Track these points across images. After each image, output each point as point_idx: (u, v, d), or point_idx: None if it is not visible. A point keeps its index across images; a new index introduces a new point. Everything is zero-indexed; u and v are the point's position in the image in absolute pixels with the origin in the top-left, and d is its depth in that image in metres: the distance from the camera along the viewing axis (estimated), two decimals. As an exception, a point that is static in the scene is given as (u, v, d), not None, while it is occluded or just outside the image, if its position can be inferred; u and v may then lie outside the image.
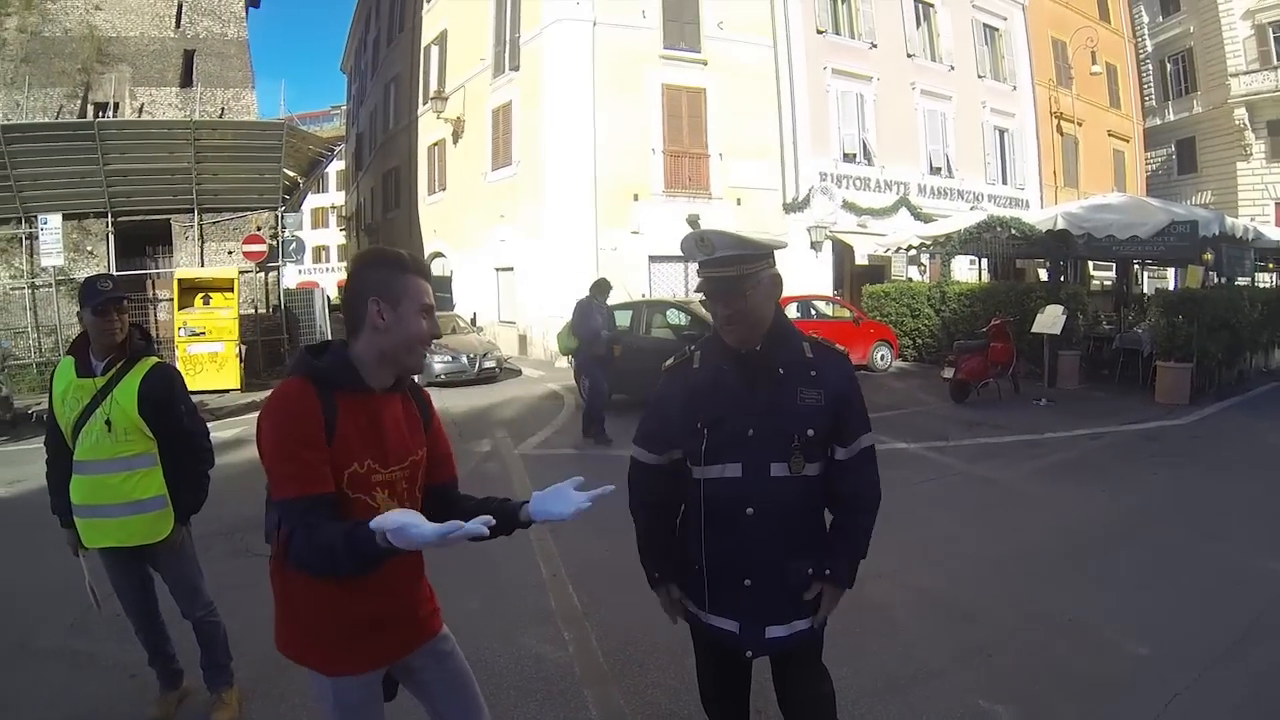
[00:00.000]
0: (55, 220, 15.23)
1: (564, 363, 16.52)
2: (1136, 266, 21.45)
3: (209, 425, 3.63)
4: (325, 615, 1.98)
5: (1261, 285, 17.57)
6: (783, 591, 2.22)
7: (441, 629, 2.23)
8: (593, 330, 9.66)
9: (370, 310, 1.96)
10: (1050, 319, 12.12)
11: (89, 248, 16.20)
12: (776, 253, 2.24)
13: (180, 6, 18.62)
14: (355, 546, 1.65)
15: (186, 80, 18.36)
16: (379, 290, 1.98)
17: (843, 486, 2.29)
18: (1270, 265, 18.99)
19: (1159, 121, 34.12)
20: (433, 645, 2.19)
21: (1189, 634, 4.14)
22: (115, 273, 15.74)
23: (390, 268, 2.03)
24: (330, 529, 1.73)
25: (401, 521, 1.57)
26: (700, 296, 2.33)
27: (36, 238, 15.44)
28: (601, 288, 10.05)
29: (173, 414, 3.27)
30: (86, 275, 14.74)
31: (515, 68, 20.96)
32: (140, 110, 17.53)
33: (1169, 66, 34.03)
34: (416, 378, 2.16)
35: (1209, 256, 13.62)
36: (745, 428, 2.16)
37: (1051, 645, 4.04)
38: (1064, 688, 3.62)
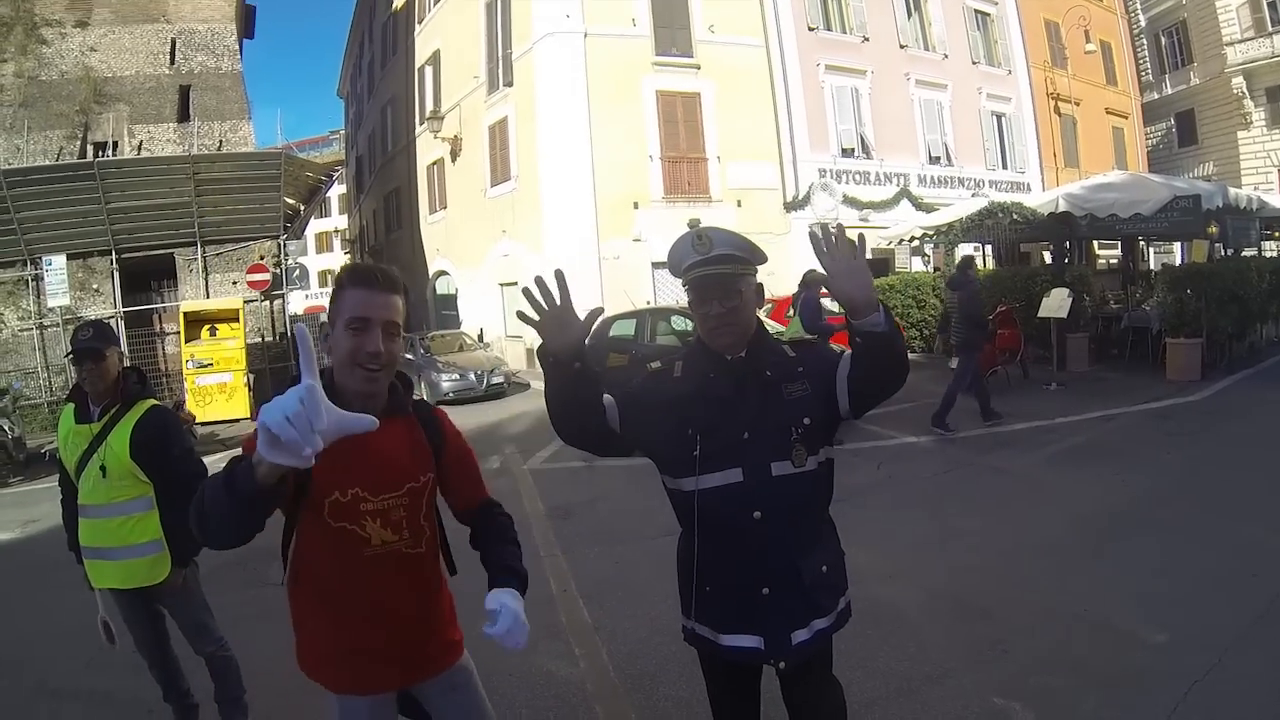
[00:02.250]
0: (59, 261, 15.34)
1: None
2: (1142, 243, 21.32)
3: (219, 455, 3.65)
4: (327, 639, 2.01)
5: (1269, 255, 17.42)
6: (801, 594, 2.16)
7: (455, 662, 2.20)
8: (824, 328, 9.38)
9: (321, 338, 1.96)
10: (1056, 302, 12.05)
11: (95, 286, 16.31)
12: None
13: (174, 43, 18.76)
14: (231, 476, 1.54)
15: (183, 115, 18.50)
16: (328, 314, 1.95)
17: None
18: (1276, 234, 18.83)
19: (1156, 96, 33.86)
20: (446, 677, 2.17)
21: (1207, 619, 4.08)
22: (121, 308, 15.91)
23: (335, 287, 1.95)
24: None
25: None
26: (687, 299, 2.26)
27: (42, 279, 15.57)
28: (814, 281, 9.79)
29: (166, 457, 3.26)
30: (94, 313, 14.95)
31: (509, 83, 20.98)
32: (139, 148, 17.67)
33: (1163, 40, 33.76)
34: (427, 397, 2.06)
35: (1214, 229, 13.54)
36: (740, 431, 2.12)
37: (1067, 638, 4.00)
38: (1080, 681, 3.58)
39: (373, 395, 1.93)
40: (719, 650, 2.23)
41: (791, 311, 10.07)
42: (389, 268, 2.00)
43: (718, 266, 2.13)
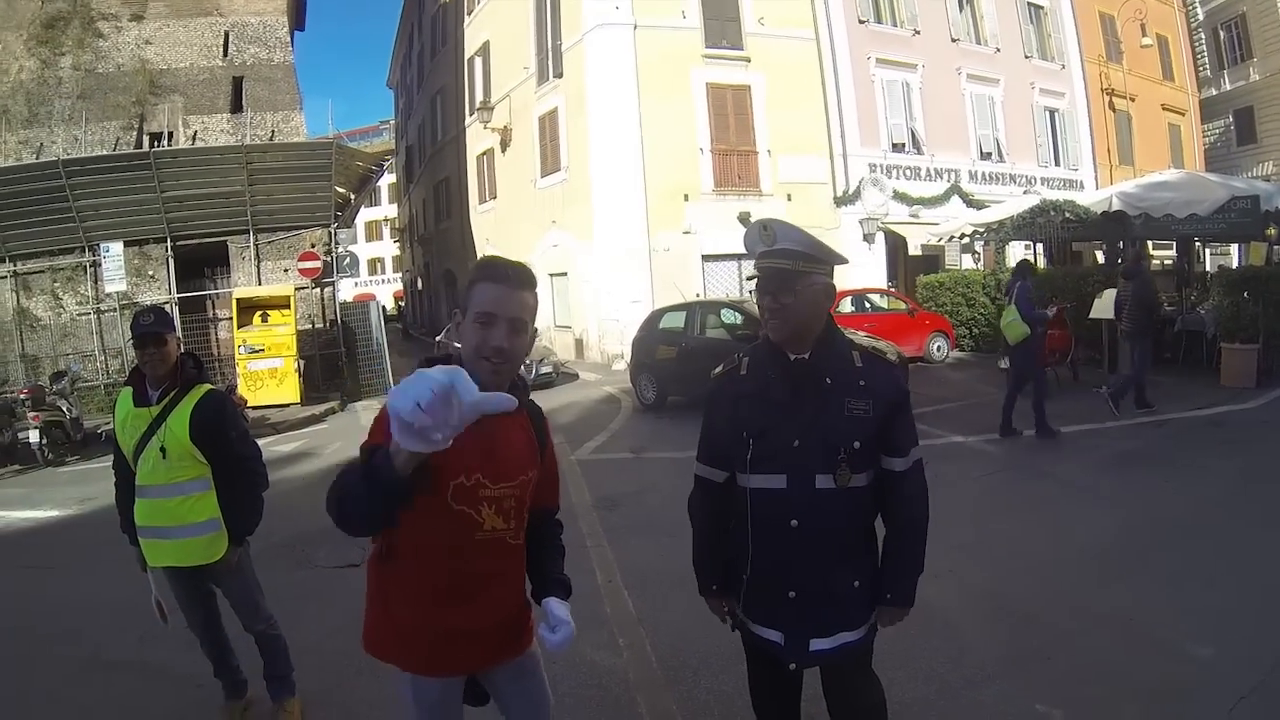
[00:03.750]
0: (117, 248, 15.72)
1: (621, 365, 16.50)
2: (1198, 245, 20.85)
3: (270, 439, 3.72)
4: (416, 619, 2.03)
5: (1331, 258, 16.94)
6: (827, 605, 2.19)
7: (529, 647, 2.24)
8: (1040, 315, 9.53)
9: (450, 326, 1.98)
10: (1108, 303, 11.82)
11: (150, 272, 16.68)
12: (830, 244, 2.21)
13: (227, 36, 19.08)
14: (370, 466, 1.55)
15: (236, 106, 18.81)
16: (460, 305, 1.98)
17: (900, 505, 2.26)
18: (1338, 237, 18.31)
19: (1214, 92, 32.92)
20: (517, 662, 2.20)
21: (1256, 634, 3.98)
22: (176, 294, 16.26)
23: (469, 280, 1.98)
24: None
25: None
26: (752, 288, 2.33)
27: (100, 265, 15.97)
28: (1029, 269, 9.97)
29: (224, 439, 3.38)
30: (149, 298, 15.30)
31: (559, 75, 21.07)
32: (193, 138, 17.98)
33: (1222, 34, 32.82)
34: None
35: (1272, 231, 13.23)
36: (791, 438, 2.13)
37: (1111, 647, 3.94)
38: (1123, 691, 3.53)
39: (496, 388, 1.91)
40: (749, 635, 2.33)
41: (1007, 301, 9.99)
42: (523, 265, 2.01)
43: (776, 260, 2.14)
